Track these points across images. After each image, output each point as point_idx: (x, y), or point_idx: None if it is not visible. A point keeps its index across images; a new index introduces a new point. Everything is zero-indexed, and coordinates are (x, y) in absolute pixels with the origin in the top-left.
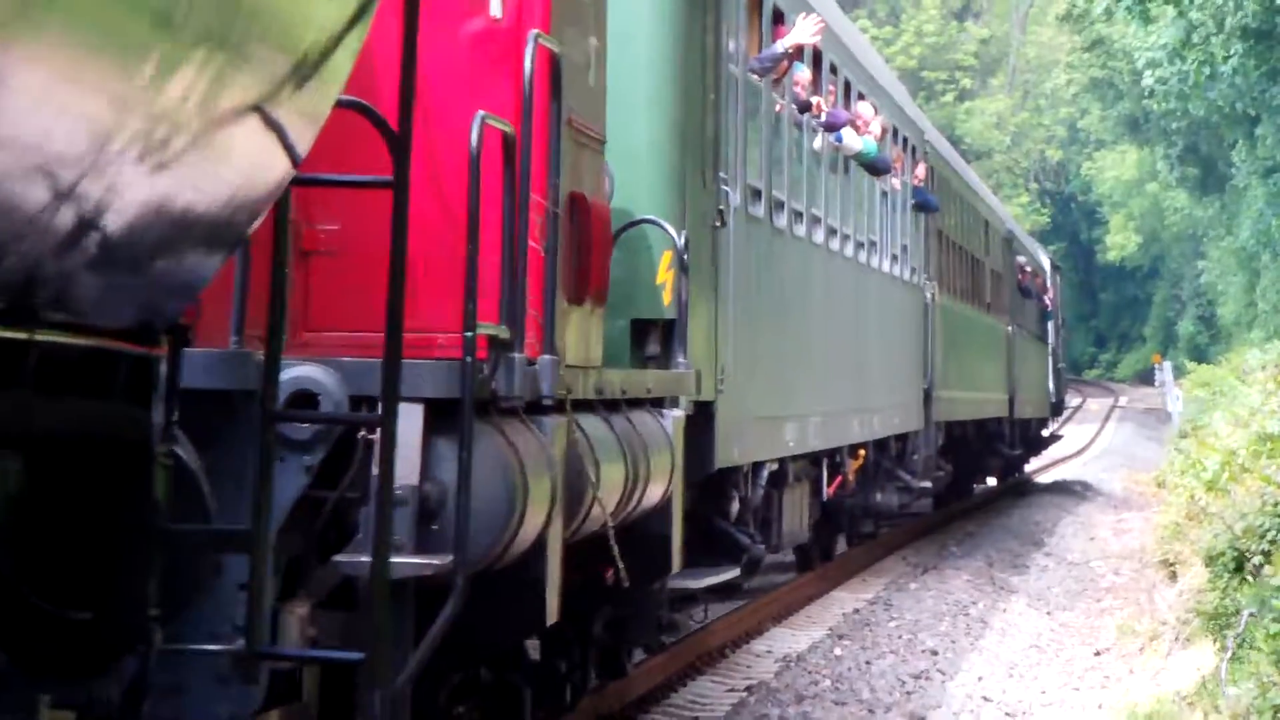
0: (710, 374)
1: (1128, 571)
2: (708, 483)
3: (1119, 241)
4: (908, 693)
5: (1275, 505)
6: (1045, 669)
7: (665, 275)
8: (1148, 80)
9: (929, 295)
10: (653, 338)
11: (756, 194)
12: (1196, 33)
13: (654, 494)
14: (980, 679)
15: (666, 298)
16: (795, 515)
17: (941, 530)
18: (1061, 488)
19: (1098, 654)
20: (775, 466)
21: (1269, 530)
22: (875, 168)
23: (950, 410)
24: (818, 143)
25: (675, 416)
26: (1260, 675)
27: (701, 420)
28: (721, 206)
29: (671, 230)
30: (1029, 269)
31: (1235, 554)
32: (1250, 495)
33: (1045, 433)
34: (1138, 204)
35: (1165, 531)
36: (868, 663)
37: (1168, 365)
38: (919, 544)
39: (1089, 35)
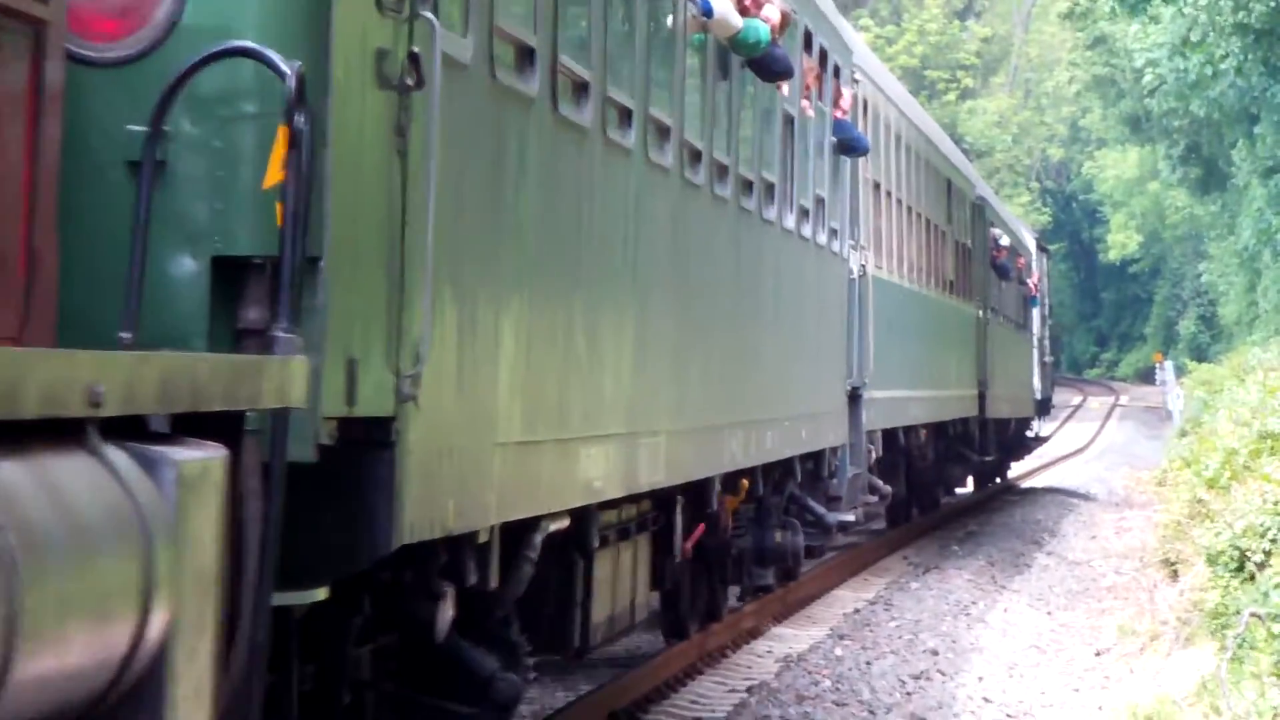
0: (381, 363)
1: (1129, 571)
2: (389, 577)
3: (1120, 240)
4: (908, 693)
5: (1276, 504)
6: (1046, 669)
7: (277, 170)
8: (1148, 79)
9: (857, 266)
10: (252, 292)
11: (525, 53)
12: (1194, 30)
13: (56, 668)
14: (981, 679)
15: (280, 214)
16: (621, 594)
17: (942, 529)
18: (1063, 486)
19: (1098, 654)
20: (564, 524)
21: (1270, 529)
22: (765, 66)
23: (891, 414)
24: (673, 18)
25: (190, 462)
26: (1261, 676)
27: (359, 456)
28: (417, 48)
29: (284, 66)
30: (1007, 245)
31: (1236, 553)
32: (1251, 494)
33: (1029, 434)
34: (1139, 203)
35: (1166, 530)
36: (868, 663)
37: (1169, 364)
38: (920, 543)
39: (1091, 32)
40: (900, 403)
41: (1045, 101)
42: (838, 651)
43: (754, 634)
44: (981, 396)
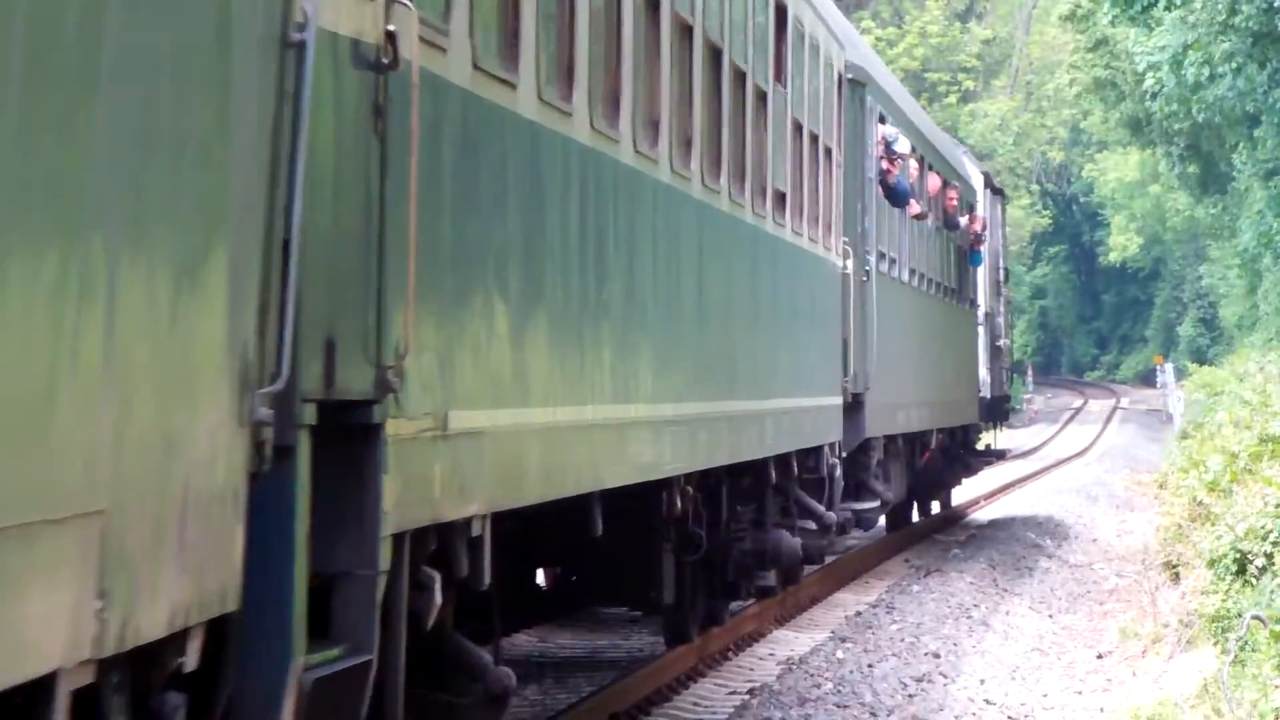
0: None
1: (1130, 574)
2: None
3: (1121, 243)
4: (910, 695)
5: (1277, 507)
6: (1047, 672)
7: None
8: (1149, 82)
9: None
10: None
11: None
12: (1192, 32)
13: None
14: (982, 682)
15: None
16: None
17: (944, 532)
18: (1063, 489)
19: (1100, 657)
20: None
21: (1271, 532)
22: None
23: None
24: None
25: None
26: (1263, 678)
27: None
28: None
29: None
30: (913, 158)
31: (1237, 556)
32: (1252, 497)
33: (979, 446)
34: (1139, 206)
35: (1167, 533)
36: (870, 665)
37: (1169, 367)
38: (921, 546)
39: (1092, 35)
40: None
41: (1046, 104)
42: (839, 654)
43: (755, 636)
44: (856, 399)
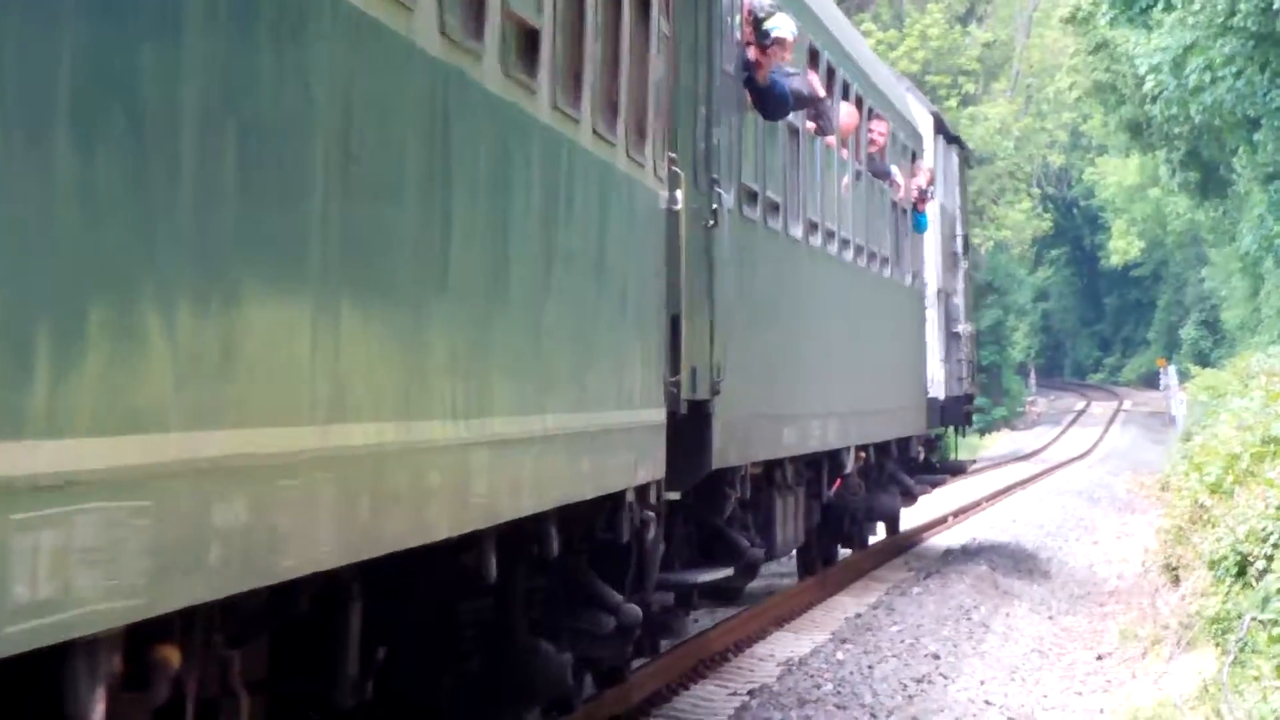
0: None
1: (1130, 575)
2: None
3: (1122, 246)
4: (910, 697)
5: (1278, 509)
6: (1047, 673)
7: None
8: (1149, 85)
9: None
10: None
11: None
12: (1191, 34)
13: None
14: (982, 683)
15: None
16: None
17: (944, 534)
18: (1064, 490)
19: (1100, 658)
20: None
21: (1272, 534)
22: None
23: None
24: None
25: None
26: (1263, 680)
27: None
28: (715, 206)
29: None
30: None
31: (1238, 558)
32: (1253, 499)
33: (933, 460)
34: (1140, 209)
35: (1168, 535)
36: (870, 667)
37: (1171, 369)
38: (921, 548)
39: (1092, 38)
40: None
41: (1046, 107)
42: (839, 655)
43: (756, 638)
44: (692, 421)
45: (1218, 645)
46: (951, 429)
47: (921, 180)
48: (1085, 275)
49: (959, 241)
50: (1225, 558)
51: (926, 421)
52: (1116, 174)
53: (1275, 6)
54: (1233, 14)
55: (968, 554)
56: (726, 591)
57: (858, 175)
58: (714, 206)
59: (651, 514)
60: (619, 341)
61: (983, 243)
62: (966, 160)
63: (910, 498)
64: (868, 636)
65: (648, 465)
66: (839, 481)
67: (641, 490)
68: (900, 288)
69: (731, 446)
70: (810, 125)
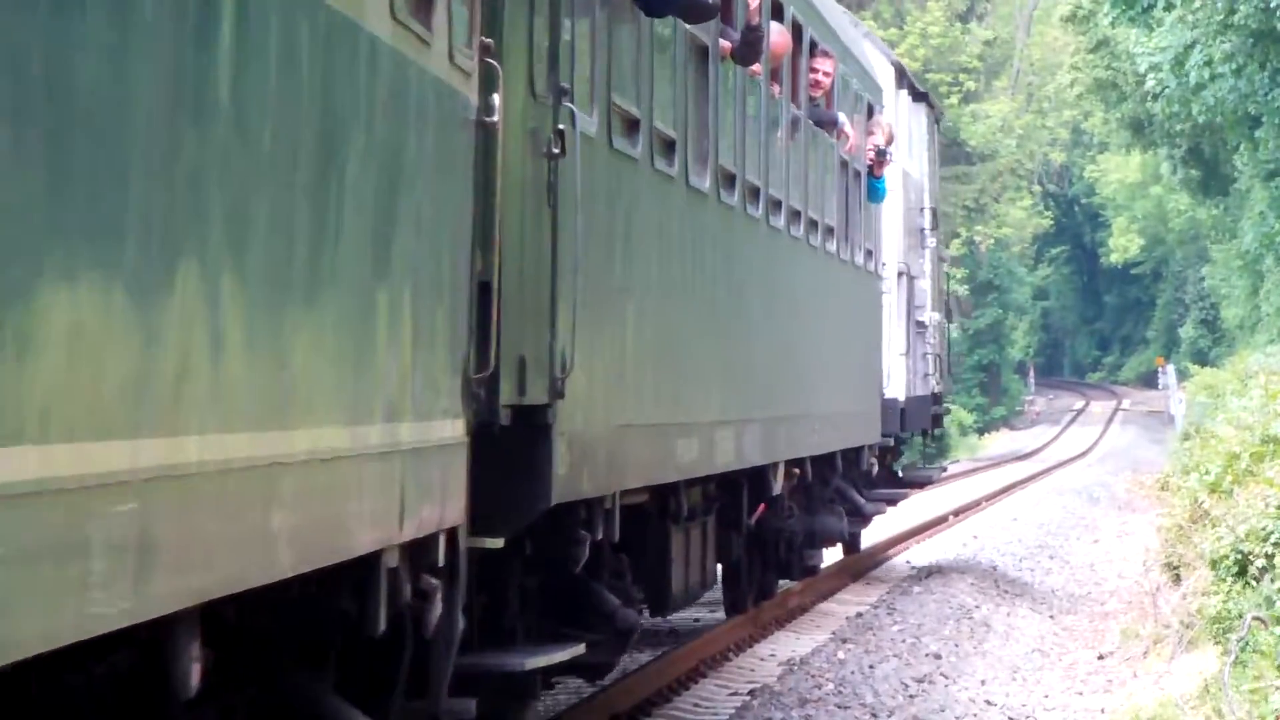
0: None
1: (1131, 575)
2: None
3: (1122, 244)
4: (911, 696)
5: (1278, 508)
6: (1048, 673)
7: None
8: (1150, 84)
9: None
10: None
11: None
12: (1192, 32)
13: None
14: (983, 683)
15: None
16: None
17: (945, 533)
18: (1064, 490)
19: (1101, 658)
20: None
21: (1272, 533)
22: None
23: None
24: None
25: None
26: (1264, 679)
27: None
28: (562, 126)
29: None
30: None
31: (1239, 557)
32: (1253, 498)
33: (896, 471)
34: (1141, 207)
35: (1168, 534)
36: (871, 666)
37: (1171, 368)
38: (922, 547)
39: (1093, 36)
40: None
41: (1047, 105)
42: (840, 655)
43: (756, 638)
44: (521, 435)
45: (1219, 645)
46: (919, 435)
47: (879, 138)
48: (1085, 273)
49: (927, 215)
50: (1226, 557)
51: (882, 427)
52: (1118, 171)
53: (1274, 5)
54: (1232, 12)
55: (969, 554)
56: (592, 668)
57: (794, 123)
58: (560, 127)
59: (435, 581)
60: (365, 315)
61: (983, 240)
62: (938, 120)
63: (861, 518)
64: (868, 636)
65: (430, 507)
66: (762, 506)
67: (421, 546)
68: (849, 266)
69: (585, 470)
70: (724, 45)
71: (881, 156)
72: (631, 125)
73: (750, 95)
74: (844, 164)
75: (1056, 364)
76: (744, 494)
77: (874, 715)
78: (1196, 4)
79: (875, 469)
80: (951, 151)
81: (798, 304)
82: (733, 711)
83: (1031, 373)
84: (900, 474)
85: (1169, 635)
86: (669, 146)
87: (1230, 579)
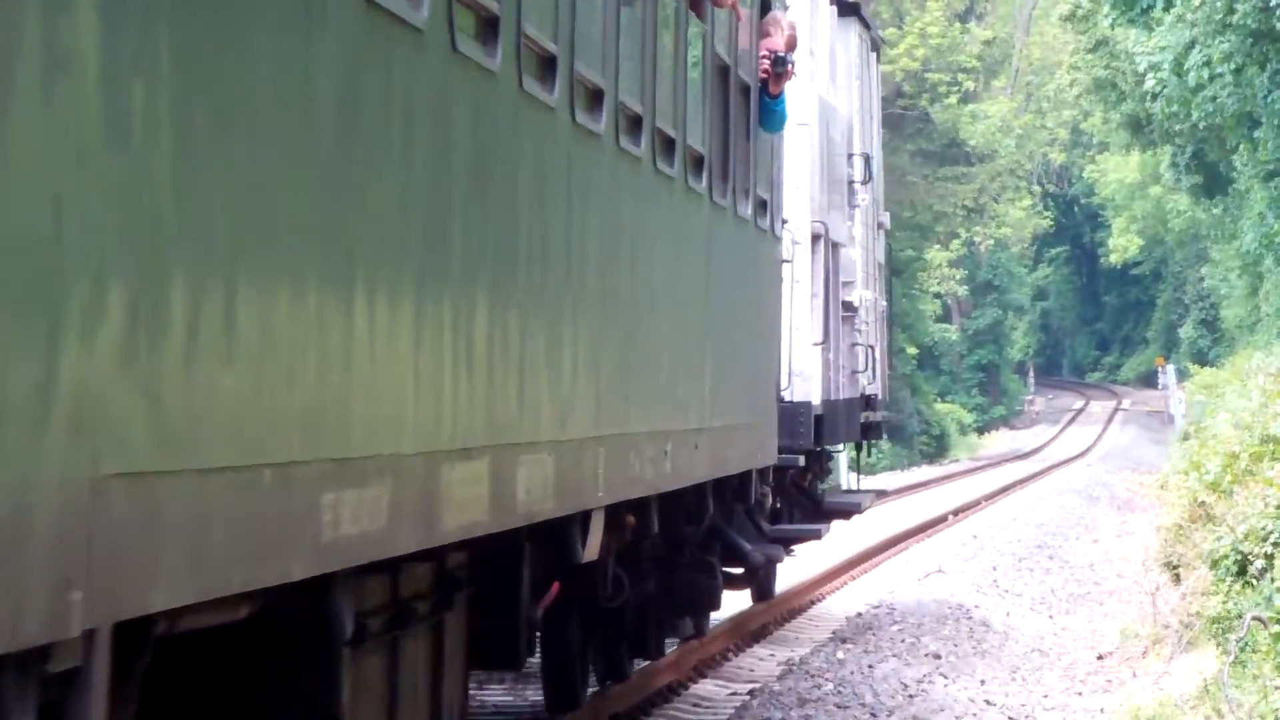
0: None
1: (1130, 574)
2: None
3: (1122, 244)
4: (910, 696)
5: (1278, 508)
6: (1048, 673)
7: None
8: (1150, 84)
9: None
10: None
11: None
12: (1191, 31)
13: None
14: (983, 683)
15: None
16: None
17: (944, 533)
18: (1064, 489)
19: (1101, 657)
20: None
21: (1272, 533)
22: None
23: None
24: None
25: None
26: (1263, 679)
27: None
28: None
29: None
30: None
31: (1238, 557)
32: (1253, 498)
33: (816, 493)
34: (1140, 207)
35: (1168, 534)
36: (870, 667)
37: (1170, 368)
38: (921, 547)
39: (1092, 35)
40: None
41: (1046, 105)
42: (840, 655)
43: (756, 638)
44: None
45: (1218, 645)
46: (850, 448)
47: (778, 41)
48: (1085, 274)
49: (858, 165)
50: (1225, 557)
51: (787, 441)
52: (1117, 171)
53: (1274, 4)
54: (1231, 11)
55: (969, 554)
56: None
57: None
58: None
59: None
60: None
61: (983, 240)
62: (875, 46)
63: (748, 572)
64: (868, 636)
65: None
66: (555, 588)
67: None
68: (729, 216)
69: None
70: None
71: (781, 66)
72: None
73: None
74: (720, 67)
75: (1056, 364)
76: (524, 567)
77: (873, 715)
78: (1195, 3)
79: (770, 500)
80: (951, 151)
81: (635, 264)
82: (732, 711)
83: (1031, 372)
84: (823, 501)
85: (1168, 635)
86: None
87: (1230, 579)
